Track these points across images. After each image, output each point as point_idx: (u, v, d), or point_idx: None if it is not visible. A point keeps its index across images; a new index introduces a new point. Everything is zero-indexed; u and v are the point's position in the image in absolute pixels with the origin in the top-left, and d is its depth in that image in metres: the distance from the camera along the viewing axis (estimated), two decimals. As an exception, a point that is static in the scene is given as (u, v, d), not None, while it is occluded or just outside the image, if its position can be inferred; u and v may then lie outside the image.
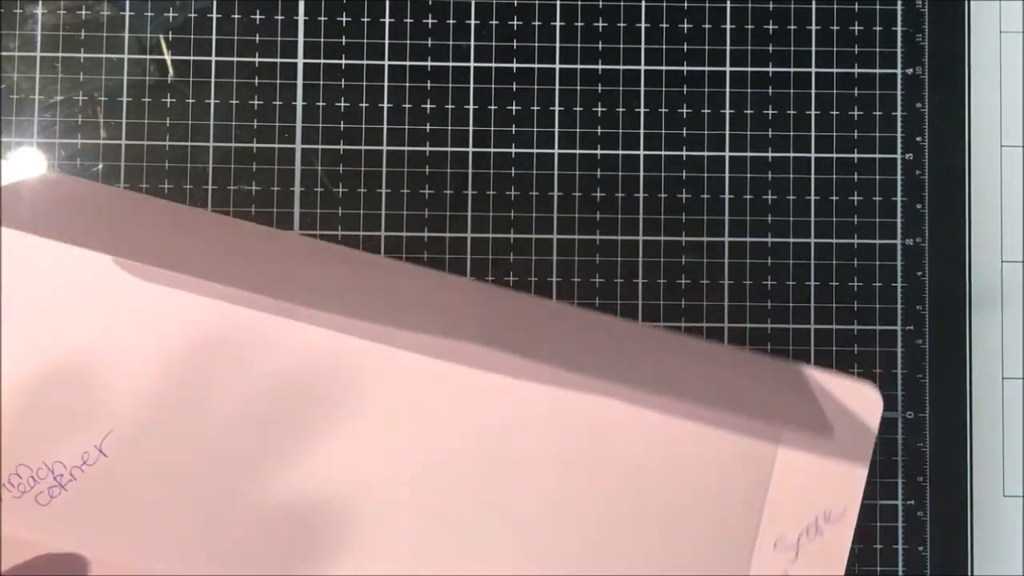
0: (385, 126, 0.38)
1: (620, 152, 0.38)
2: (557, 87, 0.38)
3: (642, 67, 0.38)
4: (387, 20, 0.38)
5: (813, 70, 0.38)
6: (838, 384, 0.29)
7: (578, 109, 0.38)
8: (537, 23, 0.38)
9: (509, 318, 0.31)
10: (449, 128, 0.38)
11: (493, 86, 0.38)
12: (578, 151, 0.38)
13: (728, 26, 0.38)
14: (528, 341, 0.28)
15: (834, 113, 0.38)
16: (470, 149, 0.38)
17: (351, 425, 0.27)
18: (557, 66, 0.38)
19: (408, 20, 0.38)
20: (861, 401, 0.29)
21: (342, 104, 0.38)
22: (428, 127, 0.38)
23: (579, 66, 0.38)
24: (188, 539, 0.26)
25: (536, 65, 0.38)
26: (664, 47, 0.38)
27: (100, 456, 0.26)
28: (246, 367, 0.26)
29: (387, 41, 0.38)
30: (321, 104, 0.38)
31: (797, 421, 0.27)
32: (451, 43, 0.38)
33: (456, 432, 0.27)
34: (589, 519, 0.27)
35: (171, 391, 0.26)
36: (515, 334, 0.29)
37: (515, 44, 0.38)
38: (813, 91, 0.38)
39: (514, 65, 0.38)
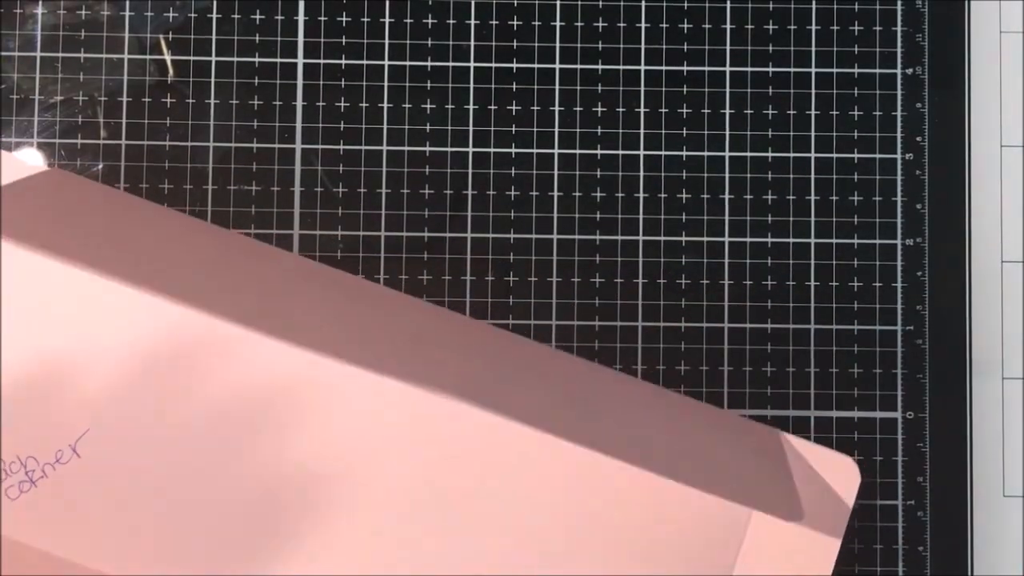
0: (385, 126, 0.38)
1: (620, 152, 0.38)
2: (557, 87, 0.38)
3: (642, 67, 0.38)
4: (387, 20, 0.38)
5: (813, 70, 0.38)
6: (818, 455, 0.30)
7: (578, 109, 0.38)
8: (537, 23, 0.38)
9: (498, 368, 0.31)
10: (449, 128, 0.38)
11: (493, 86, 0.38)
12: (578, 151, 0.38)
13: (728, 26, 0.38)
14: (513, 395, 0.28)
15: (834, 113, 0.38)
16: (470, 149, 0.38)
17: (320, 431, 0.27)
18: (557, 66, 0.38)
19: (408, 20, 0.38)
20: (840, 473, 0.30)
21: (342, 104, 0.38)
22: (428, 127, 0.38)
23: (579, 66, 0.38)
24: (151, 544, 0.26)
25: (536, 65, 0.38)
26: (664, 47, 0.38)
27: (74, 456, 0.26)
28: (220, 374, 0.26)
29: (387, 41, 0.38)
30: (321, 104, 0.38)
31: (767, 501, 0.27)
32: (451, 43, 0.38)
33: (458, 468, 0.27)
34: (552, 554, 0.27)
35: (147, 396, 0.26)
36: (501, 387, 0.29)
37: (515, 44, 0.38)
38: (813, 91, 0.38)
39: (514, 65, 0.38)
